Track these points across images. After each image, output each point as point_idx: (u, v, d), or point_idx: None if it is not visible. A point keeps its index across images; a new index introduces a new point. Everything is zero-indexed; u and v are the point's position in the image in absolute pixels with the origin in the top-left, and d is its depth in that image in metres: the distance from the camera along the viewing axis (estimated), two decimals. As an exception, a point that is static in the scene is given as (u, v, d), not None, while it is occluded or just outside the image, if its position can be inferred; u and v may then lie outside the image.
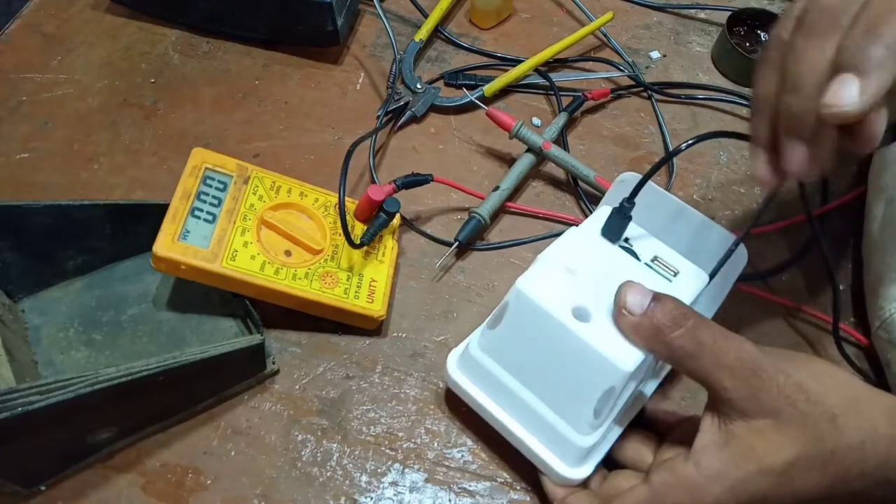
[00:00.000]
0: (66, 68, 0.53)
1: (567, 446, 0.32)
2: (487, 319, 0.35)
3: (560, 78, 0.54)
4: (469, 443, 0.38)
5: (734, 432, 0.28)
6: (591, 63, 0.56)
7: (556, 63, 0.55)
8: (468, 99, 0.51)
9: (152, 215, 0.37)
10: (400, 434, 0.38)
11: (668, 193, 0.38)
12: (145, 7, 0.56)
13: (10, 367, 0.34)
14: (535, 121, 0.52)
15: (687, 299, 0.32)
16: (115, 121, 0.50)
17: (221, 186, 0.39)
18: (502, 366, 0.34)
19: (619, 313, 0.30)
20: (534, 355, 0.33)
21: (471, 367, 0.35)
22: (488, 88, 0.52)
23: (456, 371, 0.36)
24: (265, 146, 0.49)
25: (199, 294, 0.39)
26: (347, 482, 0.37)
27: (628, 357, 0.30)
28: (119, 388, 0.32)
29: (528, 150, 0.48)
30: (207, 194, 0.38)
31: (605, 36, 0.57)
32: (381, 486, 0.37)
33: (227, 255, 0.37)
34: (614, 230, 0.35)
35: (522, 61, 0.53)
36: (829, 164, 0.29)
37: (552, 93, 0.53)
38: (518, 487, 0.37)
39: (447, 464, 0.38)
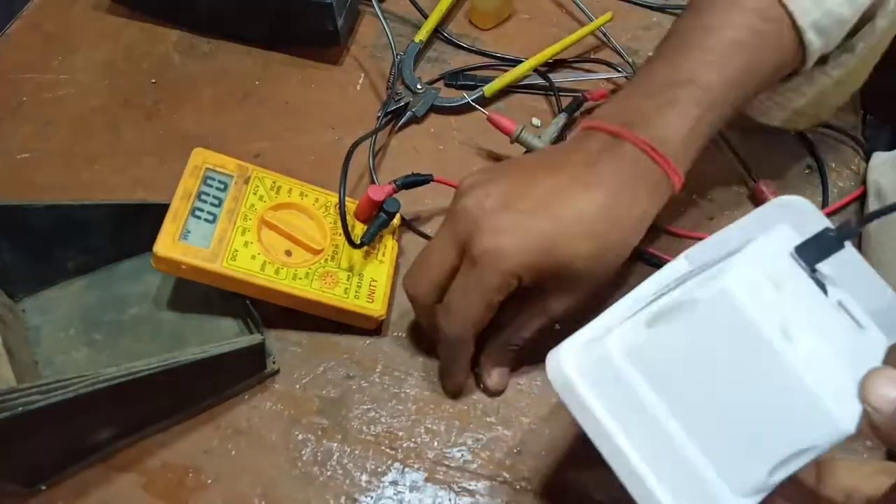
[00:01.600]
0: (66, 68, 0.53)
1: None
2: (634, 313, 0.27)
3: (560, 78, 0.54)
4: (469, 442, 0.38)
5: None
6: (590, 63, 0.56)
7: (556, 63, 0.55)
8: (474, 96, 0.51)
9: (153, 215, 0.37)
10: (400, 433, 0.38)
11: (868, 266, 0.29)
12: (146, 8, 0.56)
13: (11, 366, 0.34)
14: (535, 121, 0.52)
15: (878, 358, 0.26)
16: (115, 121, 0.50)
17: (222, 186, 0.39)
18: (650, 381, 0.25)
19: (865, 408, 0.23)
20: (707, 379, 0.24)
21: (598, 370, 0.26)
22: (488, 89, 0.52)
23: (572, 370, 0.27)
24: (266, 146, 0.49)
25: (199, 294, 0.40)
26: (348, 481, 0.37)
27: (854, 414, 0.22)
28: (120, 388, 0.32)
29: (526, 152, 0.48)
30: (208, 194, 0.39)
31: (605, 36, 0.57)
32: (381, 485, 0.37)
33: (228, 255, 0.37)
34: (815, 252, 0.26)
35: (522, 62, 0.53)
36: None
37: (552, 93, 0.53)
38: (518, 487, 0.37)
39: (447, 463, 0.38)
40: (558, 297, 0.36)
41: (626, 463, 0.26)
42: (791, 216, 0.28)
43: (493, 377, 0.39)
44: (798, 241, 0.27)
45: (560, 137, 0.50)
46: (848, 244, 0.27)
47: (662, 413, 0.25)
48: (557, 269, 0.34)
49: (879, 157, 0.48)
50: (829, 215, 0.48)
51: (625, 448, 0.26)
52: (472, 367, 0.40)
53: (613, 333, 0.27)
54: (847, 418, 0.22)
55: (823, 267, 0.27)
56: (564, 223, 0.34)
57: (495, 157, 0.50)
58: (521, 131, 0.47)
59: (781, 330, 0.23)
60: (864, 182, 0.49)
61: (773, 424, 0.23)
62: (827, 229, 0.26)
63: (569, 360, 0.27)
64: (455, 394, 0.40)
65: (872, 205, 0.46)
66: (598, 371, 0.26)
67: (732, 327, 0.23)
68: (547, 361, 0.28)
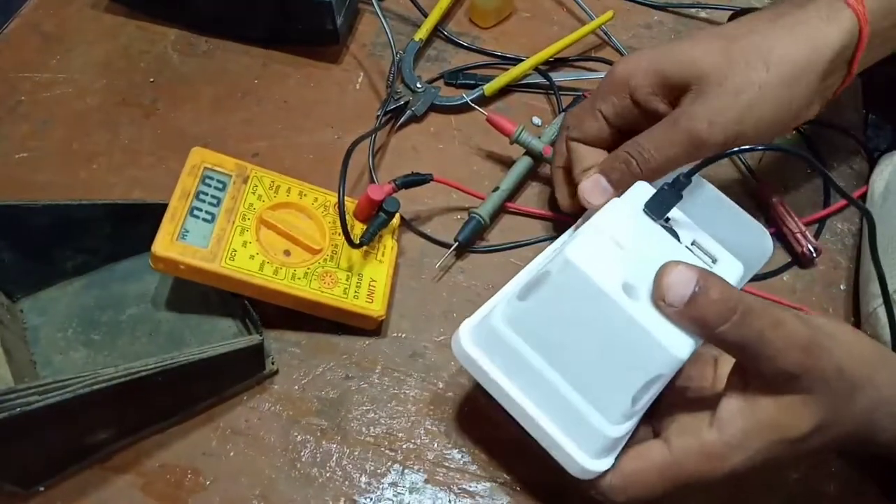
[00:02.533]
0: (64, 67, 0.53)
1: (593, 436, 0.30)
2: (512, 289, 0.32)
3: (560, 77, 0.54)
4: (469, 443, 0.38)
5: (761, 404, 0.28)
6: (591, 62, 0.56)
7: (557, 62, 0.55)
8: (474, 95, 0.51)
9: (151, 215, 0.37)
10: (399, 434, 0.38)
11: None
12: (144, 6, 0.56)
13: (9, 367, 0.34)
14: (536, 120, 0.52)
15: None
16: (113, 120, 0.50)
17: (220, 186, 0.39)
18: (528, 342, 0.31)
19: (657, 301, 0.28)
20: (570, 334, 0.30)
21: (489, 340, 0.32)
22: (488, 88, 0.51)
23: (470, 344, 0.32)
24: (264, 145, 0.49)
25: (197, 294, 0.39)
26: (347, 483, 0.37)
27: (684, 344, 0.27)
28: (118, 389, 0.32)
29: (525, 152, 0.48)
30: (206, 194, 0.38)
31: (606, 35, 0.57)
32: (380, 486, 0.37)
33: (226, 255, 0.37)
34: (661, 206, 0.32)
35: (522, 60, 0.53)
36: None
37: (552, 92, 0.53)
38: (518, 488, 0.37)
39: (447, 464, 0.38)
40: (696, 112, 0.35)
41: (523, 412, 0.31)
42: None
43: (587, 182, 0.39)
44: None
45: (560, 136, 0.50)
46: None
47: (544, 367, 0.30)
48: (685, 75, 0.36)
49: (891, 157, 0.48)
50: (830, 215, 0.48)
51: (519, 400, 0.31)
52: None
53: (496, 308, 0.32)
54: (680, 348, 0.27)
55: (690, 211, 0.33)
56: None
57: (496, 157, 0.50)
58: (520, 132, 0.47)
59: (623, 285, 0.28)
60: (867, 181, 0.49)
61: (626, 362, 0.28)
62: (664, 184, 0.32)
63: (466, 336, 0.33)
64: (564, 201, 0.44)
65: (876, 204, 0.46)
66: (489, 342, 0.32)
67: (580, 290, 0.28)
68: (452, 340, 0.33)
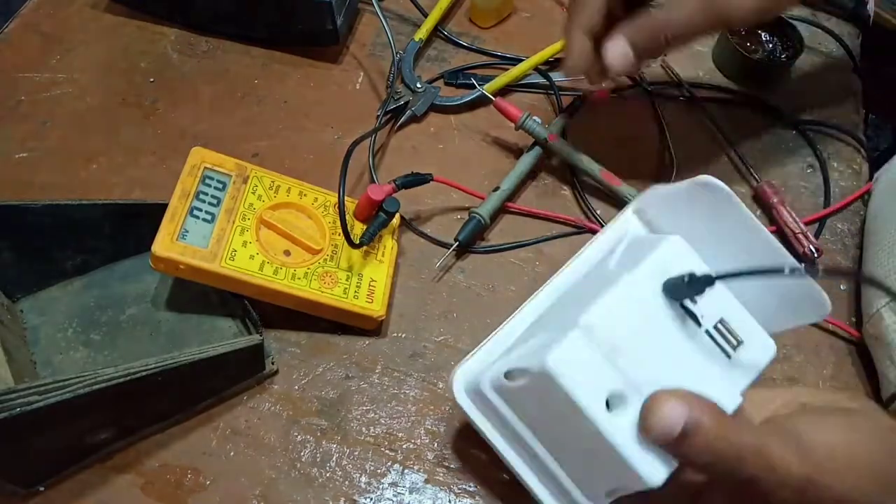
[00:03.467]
0: (64, 67, 0.53)
1: None
2: (503, 358, 0.31)
3: (560, 77, 0.54)
4: (469, 443, 0.38)
5: None
6: (591, 62, 0.56)
7: (557, 62, 0.55)
8: (475, 94, 0.51)
9: (151, 215, 0.37)
10: (400, 435, 0.38)
11: (750, 214, 0.31)
12: (144, 6, 0.56)
13: (9, 367, 0.34)
14: (535, 119, 0.52)
15: (746, 380, 0.28)
16: (113, 120, 0.50)
17: (220, 186, 0.39)
18: (517, 414, 0.31)
19: (643, 434, 0.26)
20: (553, 425, 0.29)
21: (481, 399, 0.32)
22: (488, 87, 0.51)
23: (464, 398, 0.33)
24: (264, 145, 0.49)
25: (197, 294, 0.39)
26: (347, 483, 0.37)
27: (659, 471, 0.26)
28: (118, 389, 0.32)
29: (533, 143, 0.48)
30: (206, 194, 0.38)
31: (606, 35, 0.57)
32: (380, 486, 0.37)
33: (226, 255, 0.37)
34: (679, 292, 0.28)
35: (522, 60, 0.53)
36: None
37: (552, 92, 0.53)
38: (518, 489, 0.37)
39: (447, 464, 0.38)
40: None
41: (513, 468, 0.32)
42: (707, 200, 0.30)
43: (612, 49, 0.37)
44: (683, 259, 0.29)
45: (563, 133, 0.50)
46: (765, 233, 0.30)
47: (531, 440, 0.31)
48: None
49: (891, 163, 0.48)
50: (830, 214, 0.48)
51: (510, 457, 0.32)
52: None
53: (485, 375, 0.31)
54: (654, 475, 0.26)
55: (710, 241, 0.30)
56: None
57: (496, 157, 0.50)
58: (525, 118, 0.47)
59: (610, 395, 0.26)
60: (867, 180, 0.49)
61: (603, 466, 0.27)
62: (690, 274, 0.28)
63: (460, 385, 0.33)
64: (569, 62, 0.40)
65: (878, 204, 0.46)
66: (479, 398, 0.32)
67: (559, 398, 0.26)
68: (450, 381, 0.34)
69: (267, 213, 0.40)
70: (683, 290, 0.28)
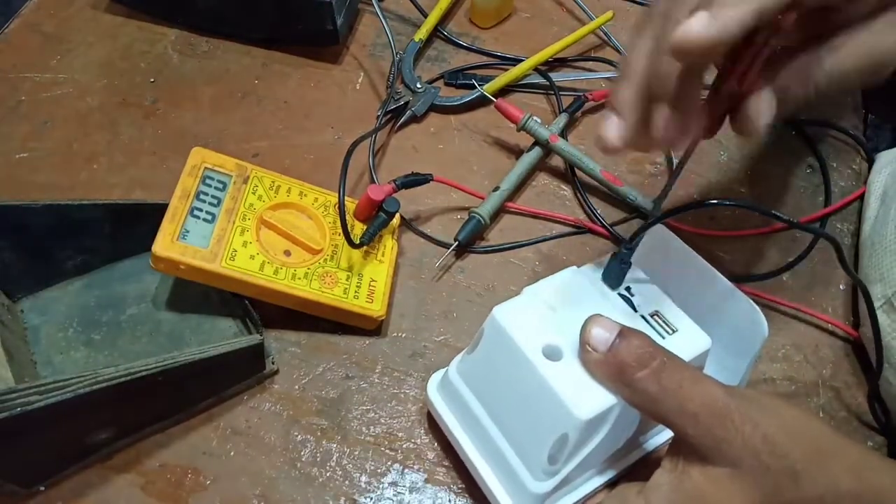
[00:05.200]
0: (65, 68, 0.53)
1: (522, 491, 0.31)
2: (470, 344, 0.34)
3: (560, 77, 0.54)
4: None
5: (690, 475, 0.27)
6: (591, 62, 0.56)
7: (557, 62, 0.55)
8: (475, 94, 0.51)
9: (151, 215, 0.37)
10: (400, 434, 0.38)
11: (693, 253, 0.34)
12: (145, 6, 0.56)
13: (9, 367, 0.34)
14: (535, 119, 0.52)
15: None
16: (114, 120, 0.50)
17: (221, 186, 0.39)
18: (475, 394, 0.33)
19: (583, 349, 0.29)
20: (502, 388, 0.31)
21: (448, 391, 0.35)
22: (488, 88, 0.51)
23: (435, 394, 0.36)
24: (264, 146, 0.49)
25: (198, 294, 0.39)
26: (347, 482, 0.37)
27: (587, 404, 0.28)
28: (118, 389, 0.32)
29: (535, 144, 0.48)
30: (207, 194, 0.38)
31: (606, 35, 0.57)
32: (380, 486, 0.37)
33: (227, 255, 0.37)
34: (614, 276, 0.33)
35: (522, 60, 0.53)
36: (698, 131, 0.29)
37: (552, 92, 0.53)
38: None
39: (447, 464, 0.38)
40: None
41: (469, 461, 0.33)
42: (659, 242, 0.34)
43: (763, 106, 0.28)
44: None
45: (563, 133, 0.50)
46: (702, 262, 0.34)
47: (484, 419, 0.32)
48: None
49: (886, 157, 0.48)
50: (830, 214, 0.48)
51: (467, 448, 0.33)
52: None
53: (453, 363, 0.34)
54: (584, 410, 0.28)
55: (661, 281, 0.33)
56: None
57: (496, 157, 0.50)
58: (527, 119, 0.47)
59: (546, 346, 0.30)
60: (866, 181, 0.49)
61: (541, 420, 0.29)
62: (621, 249, 0.32)
63: (434, 382, 0.36)
64: (611, 142, 0.29)
65: (873, 206, 0.46)
66: (447, 390, 0.35)
67: (505, 347, 0.30)
68: (428, 382, 0.36)
69: (267, 213, 0.40)
70: (614, 271, 0.33)
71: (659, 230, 0.35)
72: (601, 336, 0.28)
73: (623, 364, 0.28)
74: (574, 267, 0.34)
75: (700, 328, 0.32)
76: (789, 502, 0.26)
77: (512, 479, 0.31)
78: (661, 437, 0.35)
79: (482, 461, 0.33)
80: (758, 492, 0.26)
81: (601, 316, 0.29)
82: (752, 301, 0.32)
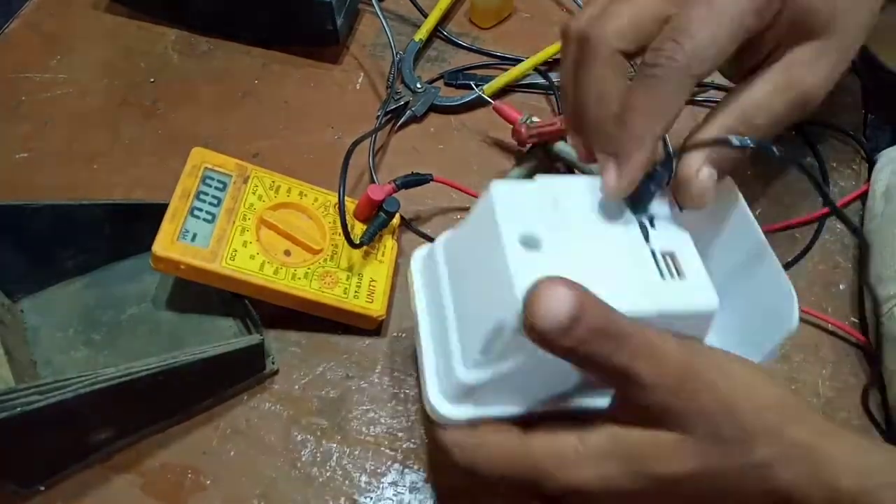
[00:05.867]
0: (65, 68, 0.53)
1: (449, 376, 0.28)
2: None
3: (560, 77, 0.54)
4: (469, 443, 0.38)
5: (631, 433, 0.25)
6: (591, 63, 0.56)
7: (556, 62, 0.55)
8: (475, 94, 0.51)
9: (152, 215, 0.37)
10: (400, 434, 0.38)
11: (754, 221, 0.30)
12: (145, 7, 0.56)
13: (10, 366, 0.34)
14: (535, 119, 0.52)
15: (664, 307, 0.26)
16: (114, 120, 0.50)
17: (221, 186, 0.39)
18: (449, 269, 0.30)
19: (526, 327, 0.23)
20: (471, 267, 0.29)
21: (428, 265, 0.32)
22: (488, 88, 0.51)
23: (417, 266, 0.33)
24: (265, 146, 0.49)
25: (198, 294, 0.39)
26: (347, 482, 0.37)
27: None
28: (118, 389, 0.32)
29: (535, 145, 0.48)
30: (207, 194, 0.38)
31: (606, 35, 0.57)
32: (380, 486, 0.37)
33: (227, 255, 0.37)
34: (640, 197, 0.29)
35: (522, 60, 0.53)
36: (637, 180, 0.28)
37: (552, 92, 0.53)
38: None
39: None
40: (803, 56, 0.28)
41: (419, 337, 0.31)
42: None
43: (702, 174, 0.29)
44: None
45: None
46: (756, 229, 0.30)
47: (448, 298, 0.30)
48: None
49: (889, 154, 0.48)
50: (829, 214, 0.48)
51: (422, 327, 0.31)
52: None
53: (443, 234, 0.32)
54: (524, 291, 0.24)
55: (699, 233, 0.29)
56: None
57: (496, 157, 0.50)
58: (525, 120, 0.47)
59: (526, 234, 0.26)
60: (866, 181, 0.49)
61: (490, 302, 0.26)
62: (655, 168, 0.29)
63: (419, 255, 0.33)
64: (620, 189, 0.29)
65: (878, 204, 0.46)
66: (427, 263, 0.32)
67: (487, 223, 0.27)
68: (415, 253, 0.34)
69: (267, 213, 0.40)
70: (645, 192, 0.29)
71: (729, 194, 0.31)
72: (549, 316, 0.23)
73: (575, 350, 0.23)
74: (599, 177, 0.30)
75: (713, 288, 0.27)
76: (738, 467, 0.25)
77: (447, 363, 0.28)
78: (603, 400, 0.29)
79: (429, 342, 0.30)
80: (706, 459, 0.25)
81: (554, 284, 0.23)
82: (785, 275, 0.28)
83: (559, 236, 0.27)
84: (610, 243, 0.28)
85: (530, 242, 0.26)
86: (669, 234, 0.29)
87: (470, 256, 0.29)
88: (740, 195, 0.31)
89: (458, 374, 0.27)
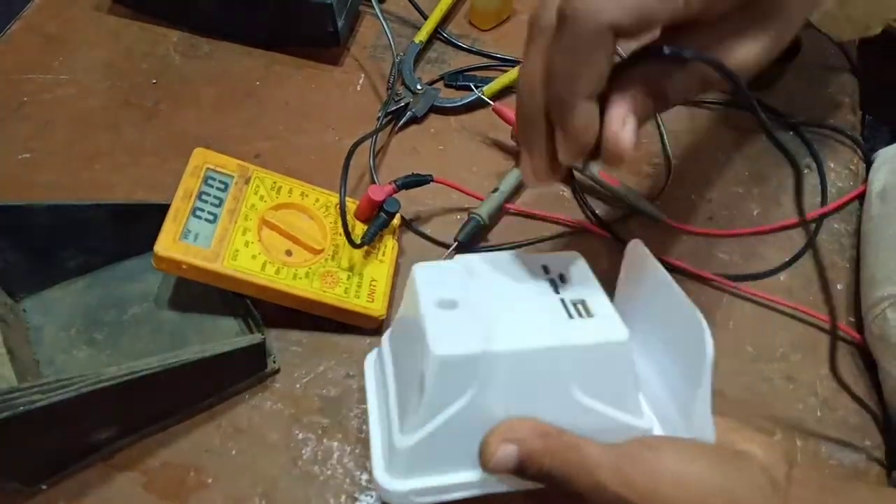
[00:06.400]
0: (67, 69, 0.53)
1: (392, 449, 0.28)
2: None
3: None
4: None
5: None
6: (590, 64, 0.56)
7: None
8: (475, 96, 0.51)
9: (154, 215, 0.37)
10: (400, 433, 0.39)
11: (655, 262, 0.30)
12: (147, 8, 0.56)
13: (12, 366, 0.34)
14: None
15: (572, 341, 0.27)
16: (116, 121, 0.50)
17: (223, 186, 0.39)
18: (393, 356, 0.32)
19: (486, 468, 0.27)
20: (406, 345, 0.31)
21: (380, 357, 0.34)
22: (488, 89, 0.52)
23: (371, 363, 0.34)
24: (266, 146, 0.50)
25: (200, 293, 0.40)
26: (348, 480, 0.37)
27: (447, 342, 0.26)
28: (120, 388, 0.32)
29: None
30: (209, 194, 0.39)
31: (605, 37, 0.57)
32: (381, 484, 0.37)
33: (229, 255, 0.37)
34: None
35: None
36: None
37: (552, 93, 0.53)
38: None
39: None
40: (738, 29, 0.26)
41: (370, 425, 0.31)
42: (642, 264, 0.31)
43: (624, 126, 0.26)
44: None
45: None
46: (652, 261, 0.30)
47: (391, 378, 0.31)
48: None
49: (885, 154, 0.48)
50: (827, 214, 0.48)
51: (371, 414, 0.32)
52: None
53: (388, 329, 0.34)
54: (441, 348, 0.26)
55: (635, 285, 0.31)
56: None
57: (496, 158, 0.50)
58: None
59: (443, 299, 0.28)
60: (864, 181, 0.49)
61: (416, 365, 0.27)
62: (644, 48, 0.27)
63: (371, 358, 0.35)
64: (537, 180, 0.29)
65: (875, 204, 0.46)
66: (377, 359, 0.34)
67: (412, 300, 0.29)
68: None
69: (269, 213, 0.40)
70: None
71: (635, 249, 0.32)
72: (504, 462, 0.27)
73: (522, 472, 0.27)
74: (520, 251, 0.33)
75: (622, 322, 0.28)
76: None
77: (389, 439, 0.29)
78: None
79: (376, 429, 0.31)
80: None
81: (502, 437, 0.27)
82: (689, 302, 0.27)
83: (473, 296, 0.29)
84: (522, 298, 0.29)
85: (446, 304, 0.28)
86: (579, 287, 0.30)
87: (404, 335, 0.31)
88: (641, 245, 0.32)
89: (396, 442, 0.28)
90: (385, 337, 0.33)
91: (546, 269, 0.31)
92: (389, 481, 0.28)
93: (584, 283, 0.31)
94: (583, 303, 0.29)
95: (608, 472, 0.26)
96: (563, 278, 0.31)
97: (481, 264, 0.31)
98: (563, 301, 0.29)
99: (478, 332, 0.27)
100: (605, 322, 0.28)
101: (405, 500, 0.28)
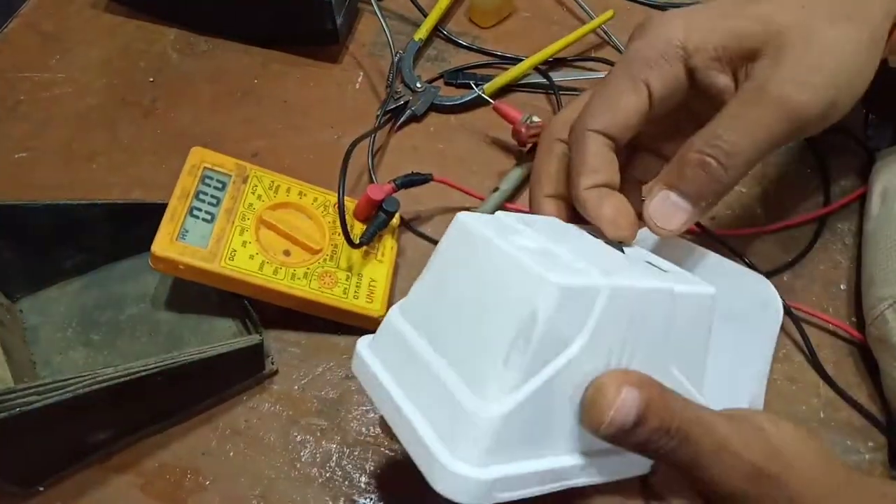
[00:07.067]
0: (64, 67, 0.53)
1: (463, 424, 0.21)
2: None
3: (560, 77, 0.54)
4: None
5: None
6: (591, 62, 0.56)
7: (557, 62, 0.55)
8: (475, 94, 0.51)
9: (151, 215, 0.37)
10: (399, 434, 0.38)
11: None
12: (144, 6, 0.56)
13: (8, 367, 0.34)
14: (535, 119, 0.52)
15: (678, 290, 0.24)
16: (113, 120, 0.50)
17: (220, 186, 0.39)
18: (417, 329, 0.25)
19: (590, 429, 0.22)
20: (455, 302, 0.24)
21: (386, 342, 0.26)
22: (488, 87, 0.51)
23: (369, 354, 0.27)
24: (264, 145, 0.49)
25: (197, 294, 0.39)
26: (346, 483, 0.37)
27: (567, 275, 0.21)
28: (117, 389, 0.32)
29: (535, 145, 0.48)
30: (206, 193, 0.38)
31: (606, 34, 0.57)
32: (380, 486, 0.37)
33: (226, 255, 0.37)
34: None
35: (522, 60, 0.53)
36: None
37: (552, 92, 0.53)
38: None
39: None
40: (784, 75, 0.27)
41: (408, 427, 0.23)
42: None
43: (656, 204, 0.29)
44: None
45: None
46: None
47: (429, 353, 0.24)
48: (760, 33, 0.28)
49: (887, 154, 0.47)
50: (830, 213, 0.48)
51: (400, 402, 0.24)
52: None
53: (393, 307, 0.27)
54: (558, 274, 0.21)
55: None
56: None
57: (496, 157, 0.50)
58: (526, 120, 0.47)
59: (516, 243, 0.23)
60: (867, 181, 0.49)
61: (500, 309, 0.22)
62: None
63: (365, 343, 0.27)
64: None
65: (875, 204, 0.45)
66: (384, 341, 0.26)
67: (466, 246, 0.24)
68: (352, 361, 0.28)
69: (267, 212, 0.40)
70: None
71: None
72: (620, 416, 0.21)
73: (638, 447, 0.22)
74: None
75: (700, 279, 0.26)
76: None
77: (451, 417, 0.22)
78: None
79: (415, 414, 0.23)
80: None
81: (619, 381, 0.21)
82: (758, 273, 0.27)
83: (549, 243, 0.25)
84: (602, 250, 0.27)
85: (523, 247, 0.24)
86: (640, 252, 0.29)
87: (446, 296, 0.25)
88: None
89: (477, 411, 0.21)
90: (395, 314, 0.26)
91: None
92: (469, 469, 0.20)
93: (638, 250, 0.29)
94: (651, 263, 0.27)
95: (737, 437, 0.23)
96: (621, 249, 0.28)
97: (532, 218, 0.28)
98: (638, 259, 0.27)
99: (582, 268, 0.22)
100: (686, 276, 0.26)
101: (485, 497, 0.21)
